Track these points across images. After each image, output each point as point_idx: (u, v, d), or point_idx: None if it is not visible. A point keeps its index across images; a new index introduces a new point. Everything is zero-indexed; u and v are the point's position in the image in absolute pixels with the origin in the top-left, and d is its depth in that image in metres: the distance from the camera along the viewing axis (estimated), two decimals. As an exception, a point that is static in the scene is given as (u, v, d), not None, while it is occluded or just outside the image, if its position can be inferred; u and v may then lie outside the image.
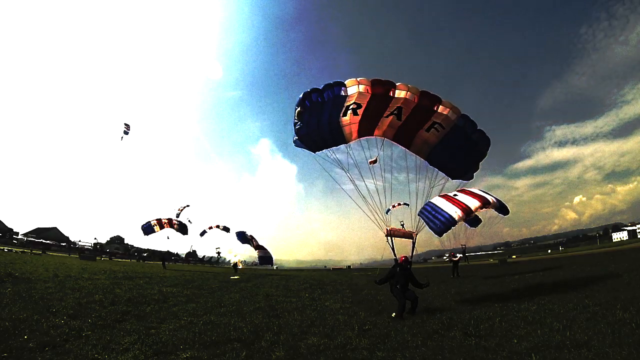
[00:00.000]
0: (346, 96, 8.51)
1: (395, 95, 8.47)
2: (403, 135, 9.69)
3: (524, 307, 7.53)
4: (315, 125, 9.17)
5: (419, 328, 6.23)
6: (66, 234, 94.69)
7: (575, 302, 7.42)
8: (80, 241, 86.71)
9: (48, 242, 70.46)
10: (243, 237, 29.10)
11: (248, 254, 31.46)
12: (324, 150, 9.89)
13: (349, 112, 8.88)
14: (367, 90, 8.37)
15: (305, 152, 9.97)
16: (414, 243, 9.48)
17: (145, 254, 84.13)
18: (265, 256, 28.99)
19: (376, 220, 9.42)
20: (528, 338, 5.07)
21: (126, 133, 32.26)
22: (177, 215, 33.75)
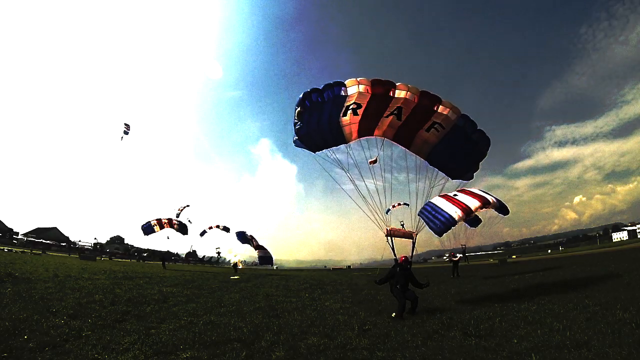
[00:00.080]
0: (346, 96, 8.51)
1: (395, 95, 8.47)
2: (403, 135, 9.69)
3: (524, 307, 7.53)
4: (315, 125, 9.17)
5: (419, 328, 6.23)
6: (66, 234, 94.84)
7: (575, 302, 7.42)
8: (80, 241, 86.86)
9: (48, 242, 70.53)
10: (243, 237, 29.11)
11: (248, 254, 31.48)
12: (324, 150, 9.90)
13: (349, 112, 8.88)
14: (367, 90, 8.37)
15: (305, 152, 9.98)
16: (414, 243, 9.48)
17: (145, 254, 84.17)
18: (265, 256, 28.99)
19: (376, 220, 9.43)
20: (528, 338, 5.07)
21: (126, 133, 32.27)
22: (177, 215, 33.76)
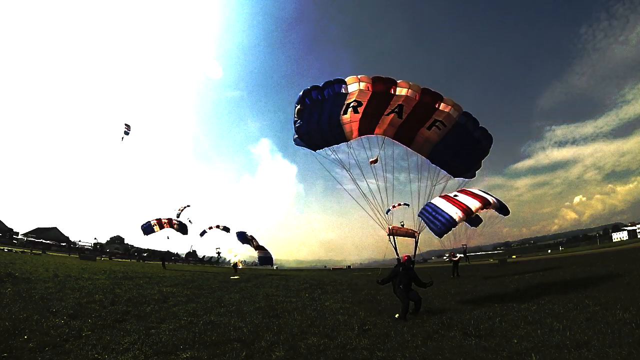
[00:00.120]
0: (347, 94, 8.41)
1: (397, 93, 8.35)
2: (404, 134, 9.62)
3: (524, 307, 7.53)
4: (316, 124, 9.09)
5: (419, 328, 6.23)
6: (66, 234, 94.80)
7: (575, 302, 7.42)
8: (80, 241, 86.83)
9: (48, 242, 70.52)
10: (243, 237, 29.10)
11: (248, 254, 31.48)
12: (324, 150, 9.85)
13: (350, 110, 8.80)
14: (368, 87, 8.27)
15: (305, 153, 9.98)
16: (416, 242, 9.41)
17: (145, 254, 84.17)
18: (265, 256, 28.99)
19: (378, 219, 9.41)
20: (528, 338, 5.07)
21: (126, 133, 32.28)
22: (178, 216, 33.76)
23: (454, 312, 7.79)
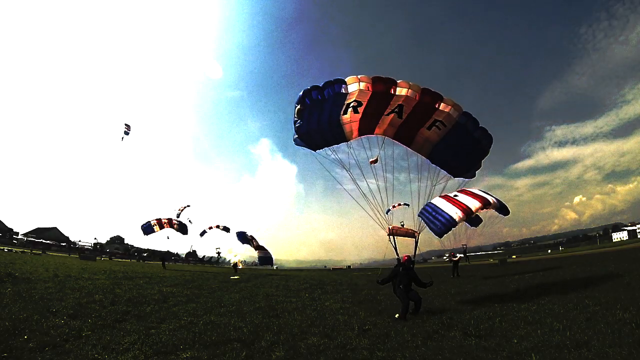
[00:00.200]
0: (347, 94, 8.41)
1: (397, 93, 8.35)
2: (404, 134, 9.62)
3: (524, 307, 7.53)
4: (316, 124, 9.08)
5: (419, 328, 6.23)
6: (66, 234, 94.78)
7: (575, 302, 7.42)
8: (80, 241, 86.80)
9: (48, 242, 70.50)
10: (243, 237, 29.11)
11: (248, 254, 31.48)
12: (324, 150, 9.86)
13: (350, 110, 8.79)
14: (368, 87, 8.27)
15: (305, 153, 9.99)
16: (416, 242, 9.41)
17: (145, 254, 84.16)
18: (265, 256, 28.99)
19: (378, 219, 9.42)
20: (528, 338, 5.07)
21: (127, 133, 32.28)
22: (178, 216, 33.77)
23: (454, 312, 7.79)
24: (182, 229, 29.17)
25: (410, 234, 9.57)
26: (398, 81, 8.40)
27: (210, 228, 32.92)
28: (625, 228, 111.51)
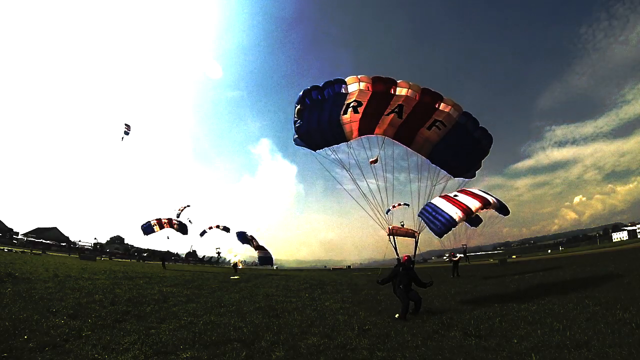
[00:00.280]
0: (347, 94, 8.40)
1: (397, 93, 8.35)
2: (404, 134, 9.62)
3: (524, 307, 7.53)
4: (316, 124, 9.08)
5: (419, 328, 6.23)
6: (66, 234, 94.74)
7: (575, 302, 7.42)
8: (80, 241, 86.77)
9: (48, 242, 70.48)
10: (243, 237, 29.11)
11: (248, 253, 31.49)
12: (324, 150, 9.86)
13: (350, 110, 8.79)
14: (368, 87, 8.26)
15: (305, 153, 9.99)
16: (416, 242, 9.41)
17: (145, 254, 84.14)
18: (265, 256, 29.00)
19: (378, 219, 9.42)
20: (528, 338, 5.08)
21: (127, 133, 32.30)
22: (178, 216, 33.77)
23: (454, 312, 7.79)
24: (182, 229, 29.18)
25: (411, 234, 9.58)
26: (398, 81, 8.40)
27: (210, 228, 32.92)
28: (625, 228, 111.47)
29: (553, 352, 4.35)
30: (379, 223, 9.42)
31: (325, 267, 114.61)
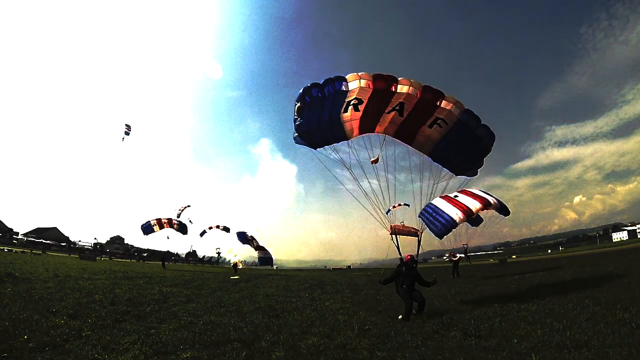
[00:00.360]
0: (347, 91, 8.32)
1: (398, 90, 8.28)
2: (405, 132, 9.54)
3: (524, 307, 7.53)
4: (316, 122, 9.00)
5: (419, 328, 6.23)
6: (66, 234, 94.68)
7: (575, 302, 7.42)
8: (80, 241, 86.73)
9: (48, 242, 70.45)
10: (244, 237, 29.12)
11: (248, 254, 31.51)
12: (325, 149, 9.83)
13: (350, 107, 8.70)
14: (369, 85, 8.19)
15: (305, 153, 10.04)
16: (419, 241, 9.36)
17: (145, 254, 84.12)
18: (265, 257, 29.02)
19: (380, 219, 9.41)
20: (528, 338, 5.07)
21: (127, 134, 32.33)
22: (178, 216, 33.81)
23: (454, 312, 7.78)
24: (182, 229, 29.19)
25: (413, 232, 9.55)
26: (399, 78, 8.33)
27: (210, 228, 32.93)
28: (625, 228, 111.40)
29: (553, 352, 4.35)
30: (381, 222, 9.41)
31: (325, 267, 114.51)
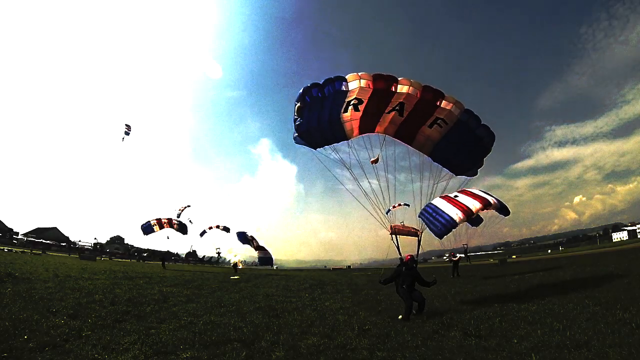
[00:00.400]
0: (347, 91, 8.31)
1: (398, 90, 8.26)
2: (405, 132, 9.53)
3: (524, 307, 7.53)
4: (316, 122, 8.99)
5: (419, 328, 6.23)
6: (66, 234, 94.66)
7: (575, 302, 7.42)
8: (80, 241, 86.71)
9: (48, 242, 70.44)
10: (244, 237, 29.13)
11: (248, 254, 31.51)
12: (325, 149, 9.83)
13: (350, 107, 8.68)
14: (369, 85, 8.18)
15: (305, 153, 10.05)
16: (419, 241, 9.35)
17: (145, 254, 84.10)
18: (265, 257, 29.03)
19: (380, 219, 9.40)
20: (528, 338, 5.07)
21: (127, 134, 32.34)
22: (178, 216, 33.81)
23: (454, 312, 7.78)
24: (182, 228, 29.19)
25: (413, 232, 9.55)
26: (399, 78, 8.31)
27: (210, 228, 32.94)
28: (625, 228, 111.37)
29: (553, 352, 4.35)
30: (382, 222, 9.41)
31: (325, 267, 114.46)
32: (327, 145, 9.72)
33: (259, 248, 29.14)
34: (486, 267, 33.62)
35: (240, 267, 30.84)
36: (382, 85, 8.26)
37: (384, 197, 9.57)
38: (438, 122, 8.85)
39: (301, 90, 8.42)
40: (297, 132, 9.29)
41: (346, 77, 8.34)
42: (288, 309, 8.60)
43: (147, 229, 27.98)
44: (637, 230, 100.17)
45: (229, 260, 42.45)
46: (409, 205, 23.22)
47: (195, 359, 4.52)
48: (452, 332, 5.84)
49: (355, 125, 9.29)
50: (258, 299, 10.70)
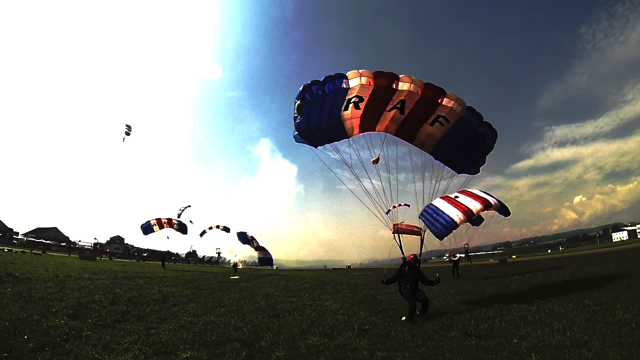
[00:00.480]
0: (348, 89, 8.20)
1: (399, 88, 8.17)
2: (406, 130, 9.43)
3: (524, 307, 7.52)
4: (316, 120, 8.90)
5: (419, 328, 6.23)
6: (66, 234, 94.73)
7: (575, 302, 7.42)
8: (80, 241, 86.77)
9: (48, 242, 70.43)
10: (244, 237, 29.12)
11: (248, 254, 31.51)
12: (325, 148, 9.78)
13: (351, 105, 8.60)
14: (370, 82, 8.07)
15: (305, 153, 10.05)
16: (422, 240, 9.30)
17: (145, 254, 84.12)
18: (265, 257, 29.03)
19: (383, 218, 9.38)
20: (528, 338, 5.07)
21: (127, 134, 32.34)
22: (179, 216, 33.77)
23: (454, 312, 7.78)
24: (182, 228, 29.17)
25: (416, 231, 9.48)
26: (400, 75, 8.21)
27: (210, 228, 32.94)
28: (625, 228, 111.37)
29: (553, 352, 4.35)
30: (384, 222, 9.37)
31: (325, 267, 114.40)
32: (328, 143, 9.64)
33: (259, 248, 29.14)
34: (486, 267, 33.61)
35: (240, 267, 30.84)
36: (383, 83, 8.15)
37: (384, 197, 9.54)
38: (440, 119, 8.77)
39: (301, 88, 8.28)
40: (297, 131, 9.21)
41: (347, 74, 8.21)
42: (288, 309, 8.60)
43: (147, 229, 27.97)
44: (637, 230, 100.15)
45: (229, 260, 42.49)
46: (409, 206, 23.21)
47: (195, 359, 4.52)
48: (452, 332, 5.84)
49: (356, 123, 9.21)
50: (258, 299, 10.71)
